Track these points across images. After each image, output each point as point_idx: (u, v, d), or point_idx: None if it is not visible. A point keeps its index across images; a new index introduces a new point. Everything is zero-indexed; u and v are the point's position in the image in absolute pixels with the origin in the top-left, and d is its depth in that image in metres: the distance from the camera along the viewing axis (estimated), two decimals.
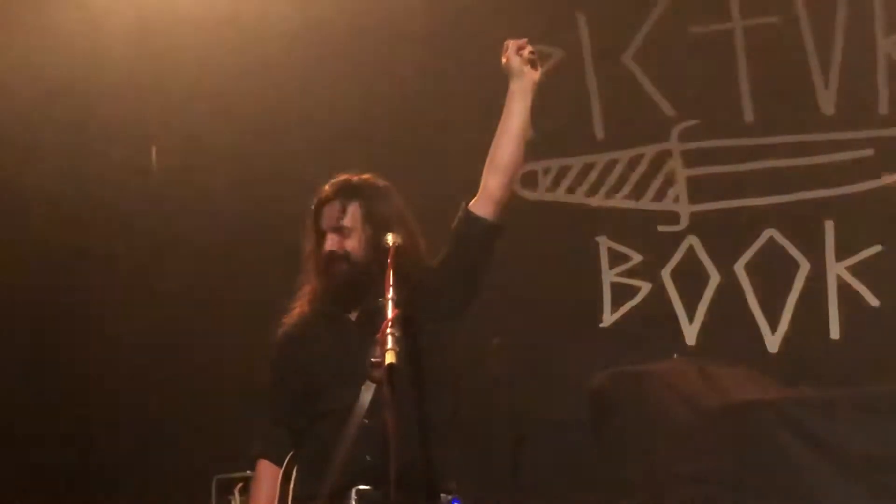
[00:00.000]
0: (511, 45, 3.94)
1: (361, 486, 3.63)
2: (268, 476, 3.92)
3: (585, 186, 6.21)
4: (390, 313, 3.41)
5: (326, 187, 3.98)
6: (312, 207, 3.98)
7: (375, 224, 3.87)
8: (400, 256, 3.71)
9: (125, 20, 6.71)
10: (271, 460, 3.92)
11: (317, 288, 3.95)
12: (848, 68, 5.90)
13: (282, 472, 3.89)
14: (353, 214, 3.91)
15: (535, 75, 3.92)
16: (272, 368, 4.01)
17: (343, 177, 4.01)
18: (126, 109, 6.71)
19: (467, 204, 3.93)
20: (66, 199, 6.72)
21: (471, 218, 3.90)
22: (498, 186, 3.90)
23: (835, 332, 5.75)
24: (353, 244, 3.87)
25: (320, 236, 3.92)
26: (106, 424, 6.66)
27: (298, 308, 3.98)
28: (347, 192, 3.94)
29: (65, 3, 6.72)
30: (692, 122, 6.10)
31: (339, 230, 3.89)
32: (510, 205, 3.93)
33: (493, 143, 3.95)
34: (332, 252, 3.87)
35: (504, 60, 3.95)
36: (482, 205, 3.91)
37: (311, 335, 3.90)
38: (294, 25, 6.60)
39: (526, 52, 3.91)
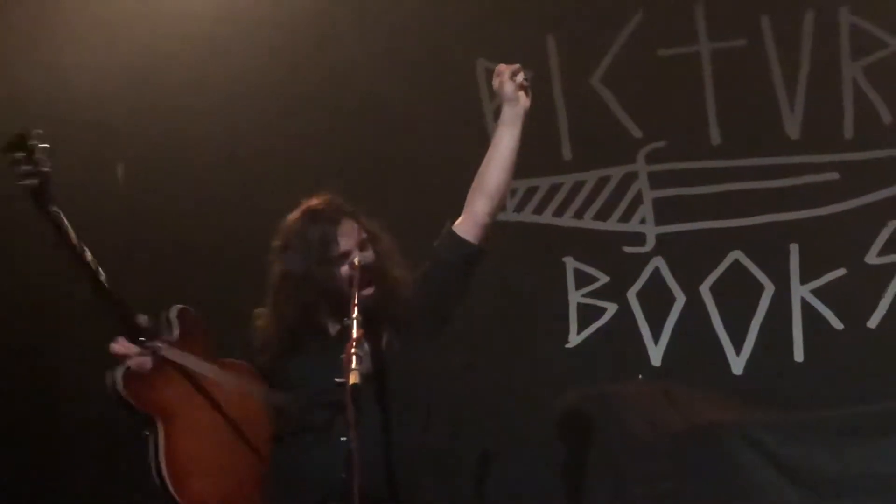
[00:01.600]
0: (505, 70, 3.87)
1: None
2: None
3: (552, 207, 6.22)
4: (355, 333, 3.41)
5: (320, 211, 3.89)
6: (314, 238, 3.86)
7: (379, 239, 3.87)
8: (380, 275, 3.73)
9: (89, 32, 6.69)
10: None
11: (301, 307, 3.88)
12: (814, 92, 5.93)
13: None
14: (363, 230, 3.89)
15: (527, 102, 3.86)
16: None
17: (324, 198, 3.94)
18: (91, 125, 6.68)
19: (452, 224, 3.89)
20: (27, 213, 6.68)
21: (455, 240, 3.86)
22: (485, 212, 3.86)
23: (799, 355, 5.77)
24: (373, 257, 3.84)
25: (334, 263, 3.81)
26: (67, 432, 6.61)
27: (276, 324, 3.93)
28: (349, 213, 3.91)
29: (25, 15, 6.69)
30: (659, 145, 6.12)
31: (362, 246, 3.85)
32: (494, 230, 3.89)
33: (482, 168, 3.90)
34: (367, 265, 3.79)
35: (496, 85, 3.88)
36: (467, 228, 3.87)
37: (293, 352, 3.87)
38: (263, 36, 6.60)
39: (519, 79, 3.85)
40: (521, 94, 3.86)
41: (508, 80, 3.85)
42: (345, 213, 3.89)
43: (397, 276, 3.87)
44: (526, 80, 3.87)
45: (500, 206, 3.96)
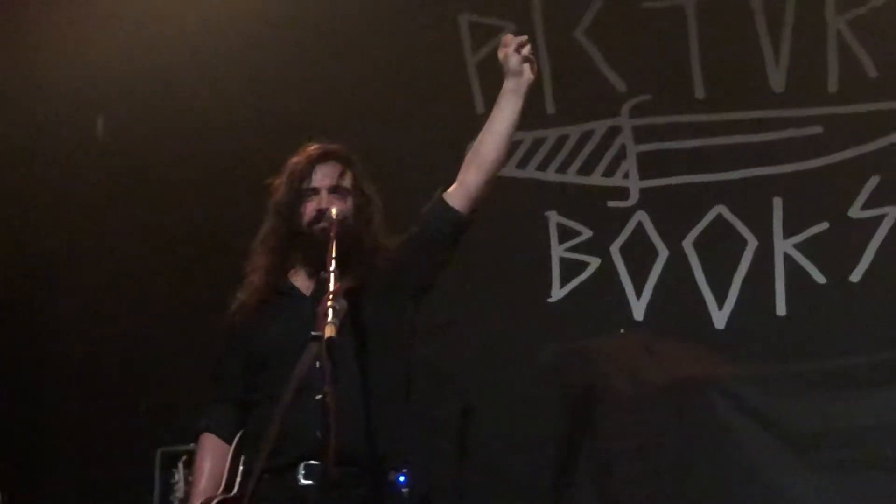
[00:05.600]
0: (512, 41, 3.80)
1: (310, 461, 3.61)
2: (212, 449, 3.86)
3: (535, 161, 6.20)
4: (332, 286, 3.39)
5: (312, 149, 3.87)
6: (294, 169, 3.85)
7: (365, 195, 3.84)
8: (358, 230, 3.70)
9: None
10: (217, 435, 3.88)
11: (275, 262, 3.87)
12: (798, 46, 5.91)
13: (232, 449, 3.85)
14: (350, 179, 3.85)
15: (531, 76, 3.80)
16: (225, 344, 3.95)
17: (322, 143, 3.92)
18: (72, 78, 6.64)
19: (443, 191, 3.86)
20: (8, 171, 6.66)
21: (445, 208, 3.83)
22: (478, 184, 3.82)
23: (781, 309, 5.77)
24: (348, 208, 3.81)
25: (302, 196, 3.80)
26: (50, 396, 6.60)
27: (252, 283, 3.91)
28: (342, 157, 3.87)
29: None
30: (643, 98, 6.10)
31: (338, 190, 3.82)
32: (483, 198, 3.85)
33: (479, 139, 3.84)
34: (324, 210, 3.76)
35: (502, 56, 3.80)
36: (459, 197, 3.83)
37: (266, 311, 3.84)
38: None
39: (526, 51, 3.78)
40: (526, 66, 3.79)
41: (514, 53, 3.77)
42: (336, 156, 3.86)
43: (374, 237, 3.84)
44: (532, 53, 3.79)
45: (494, 179, 3.90)
